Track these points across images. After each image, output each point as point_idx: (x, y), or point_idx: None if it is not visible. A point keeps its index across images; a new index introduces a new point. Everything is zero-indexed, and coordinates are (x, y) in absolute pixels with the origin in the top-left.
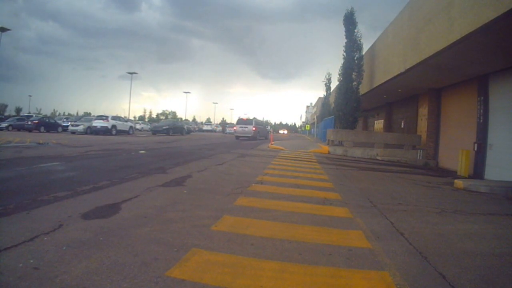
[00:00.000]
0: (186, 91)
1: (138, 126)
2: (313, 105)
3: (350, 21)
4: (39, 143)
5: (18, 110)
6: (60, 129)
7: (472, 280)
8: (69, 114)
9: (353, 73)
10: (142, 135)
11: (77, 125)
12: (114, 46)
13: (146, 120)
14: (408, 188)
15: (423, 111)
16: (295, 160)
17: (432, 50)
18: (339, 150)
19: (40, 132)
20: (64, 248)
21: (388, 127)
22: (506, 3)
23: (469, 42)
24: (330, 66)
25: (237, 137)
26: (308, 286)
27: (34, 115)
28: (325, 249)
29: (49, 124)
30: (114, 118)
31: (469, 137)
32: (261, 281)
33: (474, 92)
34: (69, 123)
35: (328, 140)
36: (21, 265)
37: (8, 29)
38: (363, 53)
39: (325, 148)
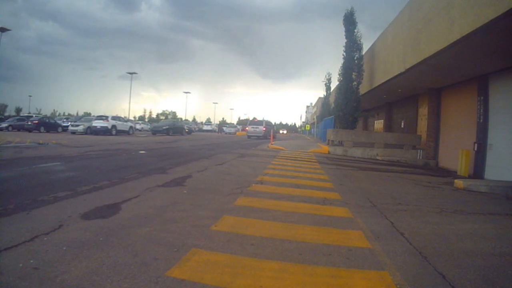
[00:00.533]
0: (186, 91)
1: (138, 126)
2: (313, 105)
3: (350, 21)
4: (39, 143)
5: (18, 110)
6: (60, 129)
7: (472, 280)
8: (69, 114)
9: (353, 73)
10: (142, 135)
11: (77, 125)
12: (114, 46)
13: (146, 120)
14: (408, 188)
15: (423, 111)
16: (295, 160)
17: (432, 50)
18: (339, 150)
19: (40, 132)
20: (64, 248)
21: (388, 127)
22: (506, 3)
23: (469, 42)
24: (330, 66)
25: (249, 136)
26: (308, 286)
27: (34, 115)
28: (325, 249)
29: (49, 124)
30: (114, 118)
31: (469, 137)
32: (261, 281)
33: (474, 92)
34: (69, 123)
35: (328, 140)
36: (21, 265)
37: (8, 29)
38: (363, 53)
39: (325, 148)
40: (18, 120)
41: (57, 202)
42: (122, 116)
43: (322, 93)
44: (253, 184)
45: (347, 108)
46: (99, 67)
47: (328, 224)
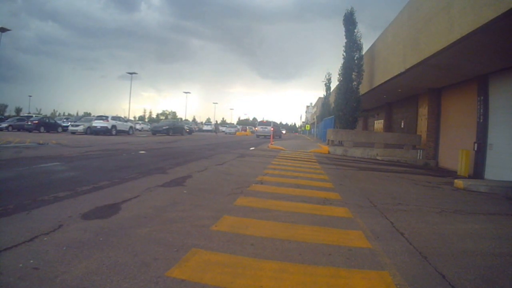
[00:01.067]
0: (186, 91)
1: (138, 126)
2: (313, 105)
3: (350, 21)
4: (39, 143)
5: (18, 110)
6: (60, 129)
7: (472, 280)
8: (69, 114)
9: (353, 73)
10: (142, 135)
11: (77, 125)
12: (114, 46)
13: (146, 120)
14: (408, 188)
15: (423, 111)
16: (295, 160)
17: (432, 50)
18: (339, 150)
19: (40, 132)
20: (64, 248)
21: (388, 127)
22: (506, 3)
23: (469, 42)
24: (330, 66)
25: (258, 136)
26: (308, 286)
27: (34, 115)
28: (325, 249)
29: (49, 125)
30: (114, 118)
31: (469, 137)
32: (261, 281)
33: (474, 92)
34: (69, 123)
35: (328, 140)
36: (21, 265)
37: (8, 29)
38: (363, 53)
39: (325, 148)
40: (18, 120)
41: (57, 202)
42: (122, 116)
43: (322, 93)
44: (253, 184)
45: (347, 108)
46: (99, 67)
47: (328, 224)
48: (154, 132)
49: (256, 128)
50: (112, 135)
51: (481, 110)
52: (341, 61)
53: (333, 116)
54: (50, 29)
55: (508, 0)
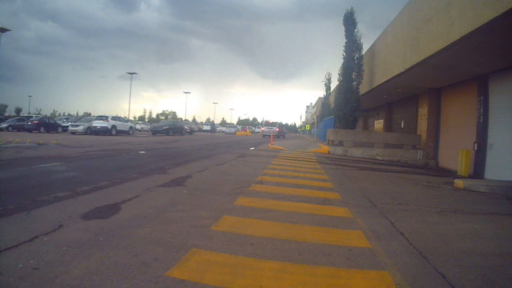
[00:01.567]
0: (186, 91)
1: (138, 126)
2: (313, 105)
3: (350, 21)
4: (39, 144)
5: (18, 110)
6: (60, 129)
7: (472, 280)
8: (69, 115)
9: (353, 73)
10: (142, 135)
11: (77, 126)
12: (114, 46)
13: (146, 120)
14: (408, 188)
15: (423, 111)
16: (295, 160)
17: (432, 50)
18: (339, 150)
19: (40, 132)
20: (64, 248)
21: (388, 127)
22: (506, 3)
23: (469, 42)
24: (330, 66)
25: (264, 135)
26: (308, 286)
27: (34, 115)
28: (325, 249)
29: (49, 125)
30: (114, 118)
31: (469, 137)
32: (261, 281)
33: (474, 92)
34: (69, 123)
35: (328, 140)
36: (21, 265)
37: (8, 30)
38: (363, 53)
39: (325, 148)
40: (18, 120)
41: (57, 202)
42: (122, 116)
43: (322, 93)
44: (253, 184)
45: (347, 108)
46: (98, 67)
47: (328, 224)
48: (154, 132)
49: (263, 128)
50: (112, 135)
51: (481, 110)
52: (341, 61)
53: (333, 116)
54: (50, 29)
55: (508, 0)
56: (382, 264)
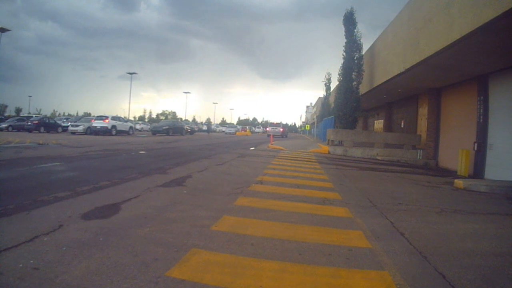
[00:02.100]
0: (186, 91)
1: (138, 127)
2: (313, 105)
3: (350, 21)
4: (39, 144)
5: (18, 110)
6: (60, 129)
7: (472, 280)
8: (69, 115)
9: (353, 73)
10: (142, 135)
11: (77, 126)
12: (114, 46)
13: (146, 120)
14: (408, 188)
15: (423, 111)
16: (295, 160)
17: (432, 49)
18: (339, 150)
19: (40, 132)
20: (64, 248)
21: (388, 127)
22: (506, 2)
23: (469, 42)
24: (330, 66)
25: (269, 135)
26: (308, 286)
27: (34, 115)
28: (325, 249)
29: (49, 125)
30: (114, 118)
31: (469, 136)
32: (261, 281)
33: (474, 91)
34: (69, 123)
35: (328, 140)
36: (21, 265)
37: (8, 30)
38: (363, 53)
39: (325, 148)
40: (18, 120)
41: (57, 202)
42: (122, 116)
43: (322, 93)
44: (253, 184)
45: (347, 108)
46: (98, 67)
47: (328, 224)
48: (154, 132)
49: (268, 129)
50: (112, 135)
51: (481, 110)
52: (341, 61)
53: (333, 116)
54: (50, 29)
55: (508, 0)
56: (382, 264)
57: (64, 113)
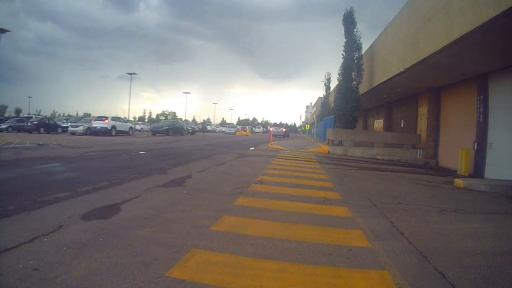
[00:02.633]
0: (186, 91)
1: (138, 127)
2: (312, 105)
3: (349, 21)
4: (39, 144)
5: (18, 111)
6: (60, 130)
7: (473, 279)
8: (68, 115)
9: (353, 72)
10: (142, 135)
11: (77, 126)
12: (113, 47)
13: (146, 120)
14: (408, 187)
15: (423, 110)
16: (295, 160)
17: (432, 49)
18: (339, 150)
19: (40, 133)
20: (64, 249)
21: (388, 127)
22: (505, 2)
23: (469, 41)
24: (330, 65)
25: (273, 135)
26: (308, 286)
27: (33, 116)
28: (325, 249)
29: (48, 125)
30: (114, 118)
31: (469, 136)
32: (261, 281)
33: (474, 91)
34: (69, 124)
35: (328, 139)
36: (21, 266)
37: (8, 30)
38: (363, 52)
39: (325, 147)
40: (18, 121)
41: (57, 203)
42: (122, 116)
43: (321, 93)
44: (253, 184)
45: (347, 107)
46: (98, 67)
47: (328, 224)
48: (154, 132)
49: (272, 129)
50: (112, 135)
51: (481, 109)
52: (341, 60)
53: (333, 116)
54: (49, 29)
55: None
56: (382, 264)
57: (64, 113)
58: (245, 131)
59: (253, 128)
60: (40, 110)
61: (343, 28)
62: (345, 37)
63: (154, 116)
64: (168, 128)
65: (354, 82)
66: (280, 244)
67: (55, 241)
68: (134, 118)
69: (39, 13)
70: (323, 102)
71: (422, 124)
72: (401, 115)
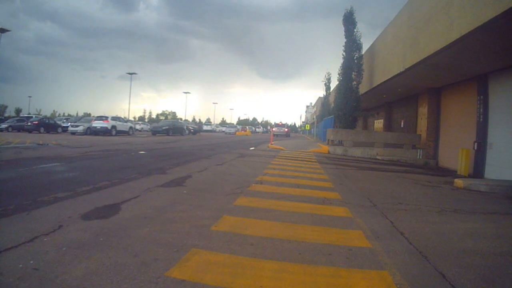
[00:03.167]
0: (186, 91)
1: (138, 127)
2: (313, 104)
3: (349, 21)
4: (39, 144)
5: (18, 111)
6: (60, 130)
7: (472, 279)
8: (69, 115)
9: (353, 72)
10: (142, 135)
11: (77, 126)
12: (113, 47)
13: (146, 120)
14: (408, 187)
15: (423, 110)
16: (295, 160)
17: (432, 49)
18: (339, 150)
19: (40, 133)
20: (64, 248)
21: (388, 127)
22: (505, 2)
23: (468, 42)
24: (330, 65)
25: (275, 135)
26: (308, 286)
27: (34, 116)
28: (325, 249)
29: (49, 125)
30: (114, 118)
31: (469, 136)
32: (261, 281)
33: (474, 91)
34: (69, 124)
35: (328, 139)
36: (21, 265)
37: (8, 30)
38: (363, 52)
39: (325, 147)
40: (18, 121)
41: (57, 203)
42: (122, 116)
43: (322, 92)
44: (253, 184)
45: (347, 107)
46: (98, 67)
47: (328, 224)
48: (154, 132)
49: (274, 129)
50: (112, 135)
51: (481, 110)
52: (341, 60)
53: (333, 116)
54: (49, 29)
55: None
56: (382, 264)
57: (64, 113)
58: (245, 131)
59: (254, 128)
60: (40, 110)
61: (343, 28)
62: (345, 37)
63: (154, 116)
64: (168, 128)
65: (354, 82)
66: (280, 244)
67: (55, 241)
68: (134, 118)
69: (39, 13)
70: (323, 102)
71: (422, 124)
72: (401, 115)
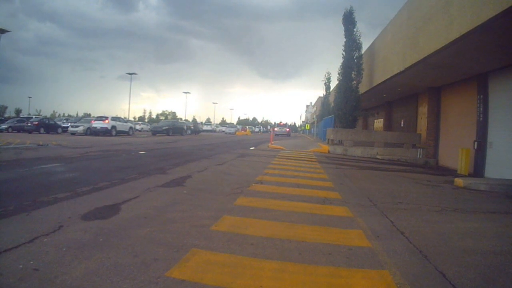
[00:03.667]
0: (186, 91)
1: (138, 127)
2: (313, 104)
3: (349, 20)
4: (39, 145)
5: (18, 111)
6: (60, 130)
7: (473, 279)
8: (68, 115)
9: (353, 72)
10: (142, 135)
11: (76, 126)
12: (113, 47)
13: (146, 120)
14: (408, 187)
15: (423, 109)
16: (295, 159)
17: (431, 48)
18: (339, 149)
19: (40, 133)
20: (64, 249)
21: (388, 126)
22: (505, 1)
23: (468, 41)
24: (330, 65)
25: (277, 135)
26: (308, 286)
27: (33, 116)
28: (325, 249)
29: (49, 125)
30: (113, 119)
31: (469, 135)
32: (261, 281)
33: (474, 90)
34: (69, 124)
35: (328, 139)
36: (21, 266)
37: (8, 31)
38: (363, 52)
39: (325, 147)
40: (18, 121)
41: (57, 203)
42: (122, 116)
43: (322, 92)
44: (253, 184)
45: (347, 107)
46: (98, 67)
47: (328, 224)
48: (154, 132)
49: (276, 129)
50: (112, 135)
51: (481, 109)
52: (341, 60)
53: (333, 115)
54: (49, 30)
55: None
56: (382, 263)
57: (64, 113)
58: (245, 130)
59: (253, 128)
60: (40, 110)
61: (343, 28)
62: (345, 37)
63: (154, 116)
64: (168, 128)
65: (354, 82)
66: (280, 244)
67: (55, 241)
68: (134, 118)
69: (38, 13)
70: (323, 102)
71: (422, 124)
72: (401, 115)
